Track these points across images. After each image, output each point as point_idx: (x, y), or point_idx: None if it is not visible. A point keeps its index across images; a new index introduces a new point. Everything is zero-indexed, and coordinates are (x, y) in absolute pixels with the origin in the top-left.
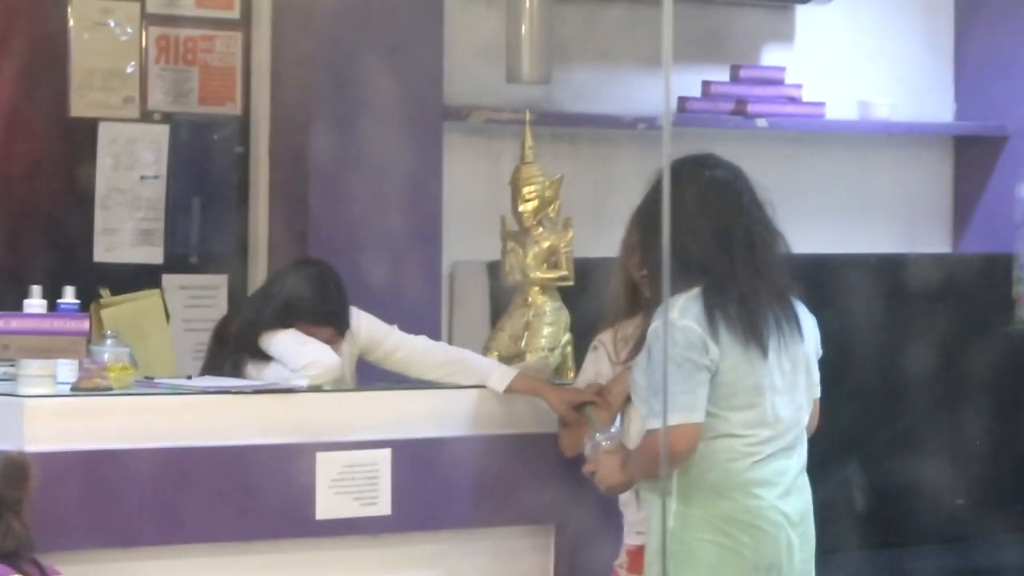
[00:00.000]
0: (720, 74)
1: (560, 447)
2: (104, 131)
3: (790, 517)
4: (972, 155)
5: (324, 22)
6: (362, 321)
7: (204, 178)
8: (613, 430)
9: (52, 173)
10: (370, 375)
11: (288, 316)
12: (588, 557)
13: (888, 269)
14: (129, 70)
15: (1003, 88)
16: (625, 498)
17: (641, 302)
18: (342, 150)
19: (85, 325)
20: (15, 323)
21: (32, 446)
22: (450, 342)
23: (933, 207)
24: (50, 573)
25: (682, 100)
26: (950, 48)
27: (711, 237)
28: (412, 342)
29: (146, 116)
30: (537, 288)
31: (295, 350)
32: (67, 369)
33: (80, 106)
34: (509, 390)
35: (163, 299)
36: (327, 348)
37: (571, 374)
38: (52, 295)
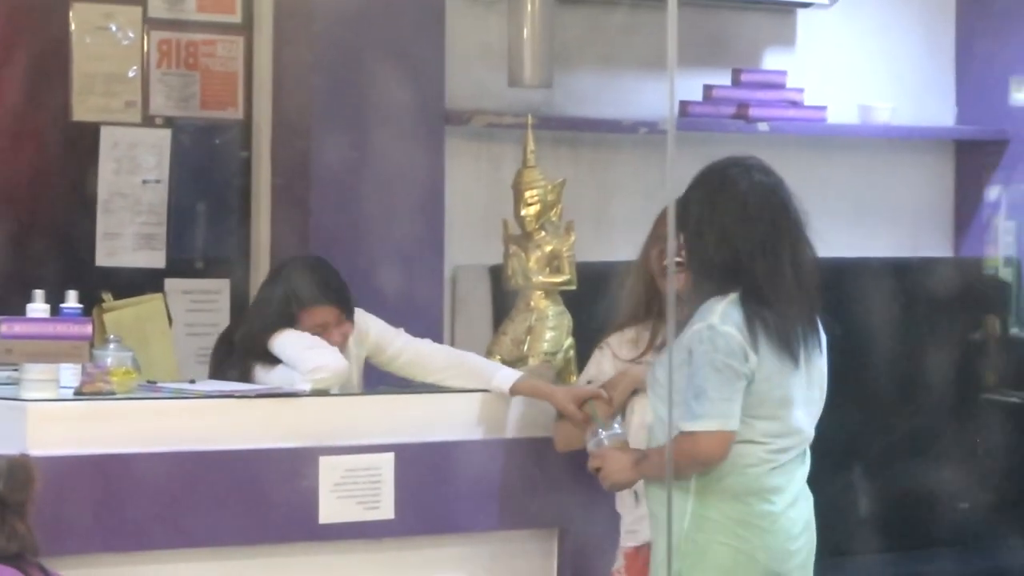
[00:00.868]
0: (722, 78)
1: (553, 443)
2: (106, 135)
3: (797, 524)
4: (974, 159)
5: (326, 26)
6: (371, 323)
7: (206, 182)
8: (617, 426)
9: (54, 177)
10: (373, 379)
11: (289, 306)
12: (591, 562)
13: (889, 273)
14: (131, 74)
15: (1004, 92)
16: (623, 497)
17: (655, 305)
18: (344, 154)
19: (88, 329)
20: (18, 327)
21: (35, 450)
22: (452, 346)
23: (934, 211)
24: None
25: (684, 104)
26: (951, 52)
27: (756, 242)
28: (417, 345)
29: (148, 120)
30: (539, 292)
31: (303, 354)
32: (70, 373)
33: (82, 110)
34: (514, 391)
35: (165, 303)
36: (335, 351)
37: (573, 378)
38: (55, 299)
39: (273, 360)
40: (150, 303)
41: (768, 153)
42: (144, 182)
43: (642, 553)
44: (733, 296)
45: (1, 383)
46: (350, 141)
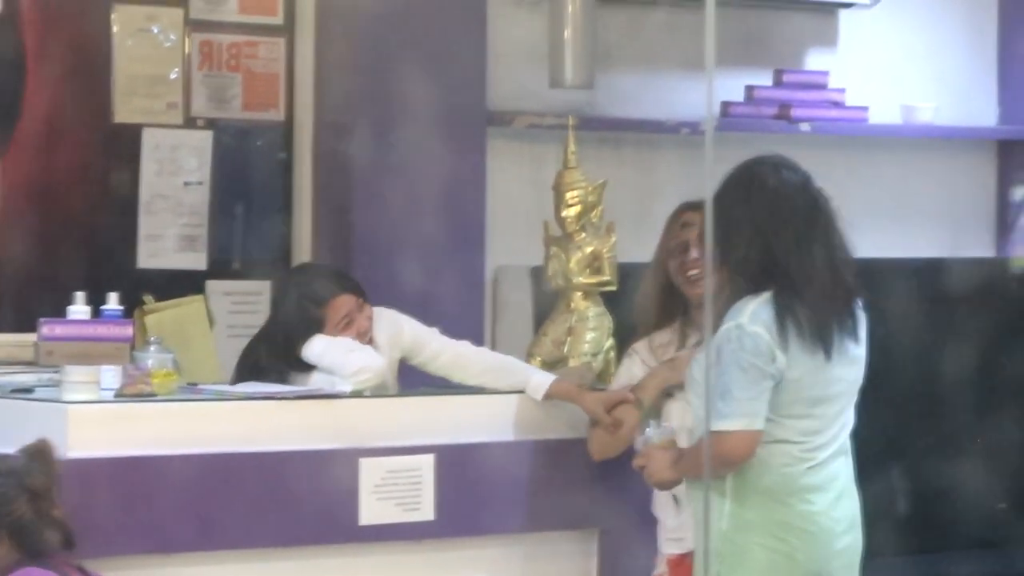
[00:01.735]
0: (763, 78)
1: (589, 450)
2: (148, 137)
3: (841, 523)
4: (1016, 158)
5: (367, 28)
6: (404, 325)
7: (247, 184)
8: (665, 424)
9: (95, 179)
10: (411, 380)
11: (309, 310)
12: (632, 562)
13: (932, 273)
14: (172, 76)
15: None
16: (662, 502)
17: (677, 309)
18: (385, 156)
19: (129, 331)
20: (59, 329)
21: (76, 452)
22: (493, 347)
23: (977, 211)
24: None
25: (725, 105)
26: (994, 51)
27: (789, 237)
28: (455, 347)
29: (189, 122)
30: (580, 293)
31: (344, 358)
32: (111, 375)
33: (123, 112)
34: (547, 396)
35: (207, 305)
36: (372, 351)
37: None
38: (96, 301)
39: (307, 367)
40: (191, 305)
41: (810, 153)
42: (185, 184)
43: (687, 561)
44: (766, 295)
45: (42, 385)
46: (391, 142)
